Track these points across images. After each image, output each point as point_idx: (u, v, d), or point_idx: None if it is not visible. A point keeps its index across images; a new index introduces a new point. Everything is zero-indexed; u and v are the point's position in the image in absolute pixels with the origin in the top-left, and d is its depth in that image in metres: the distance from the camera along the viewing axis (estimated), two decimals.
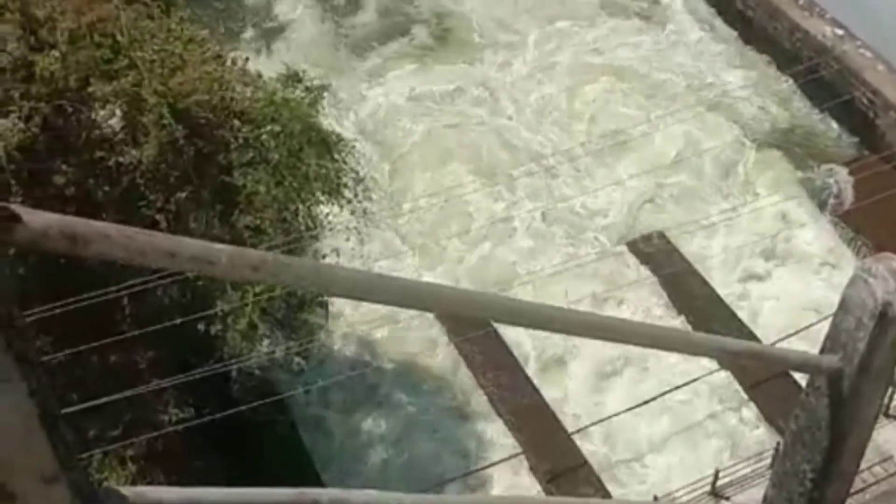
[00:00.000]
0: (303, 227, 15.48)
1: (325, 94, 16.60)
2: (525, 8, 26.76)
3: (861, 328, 2.64)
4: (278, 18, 26.86)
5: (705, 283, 20.43)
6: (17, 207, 1.52)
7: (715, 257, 20.89)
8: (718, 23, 26.41)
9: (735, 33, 26.08)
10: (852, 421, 2.81)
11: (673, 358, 18.03)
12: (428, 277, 19.78)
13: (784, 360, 3.11)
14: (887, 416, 14.68)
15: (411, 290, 1.80)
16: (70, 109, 12.63)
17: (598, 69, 24.90)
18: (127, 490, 1.83)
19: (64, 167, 12.67)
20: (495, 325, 17.81)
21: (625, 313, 19.27)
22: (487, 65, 25.29)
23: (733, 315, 19.83)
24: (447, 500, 1.71)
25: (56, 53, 12.42)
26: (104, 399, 12.79)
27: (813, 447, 2.84)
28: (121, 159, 13.02)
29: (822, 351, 2.77)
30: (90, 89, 12.85)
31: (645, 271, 20.65)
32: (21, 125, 11.62)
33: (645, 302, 20.14)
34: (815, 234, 21.34)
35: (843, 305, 2.68)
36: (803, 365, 2.78)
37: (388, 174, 22.42)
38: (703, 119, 23.45)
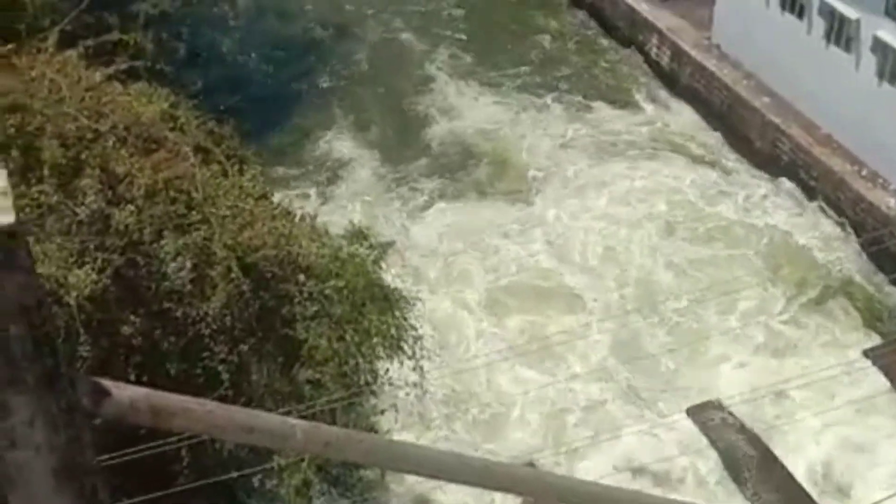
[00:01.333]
0: (362, 382, 15.49)
1: (389, 251, 16.88)
2: (582, 146, 27.29)
3: None
4: (338, 159, 27.85)
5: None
6: (107, 382, 1.59)
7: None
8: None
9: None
10: None
11: None
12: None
13: None
14: None
15: (481, 469, 1.82)
16: (142, 262, 12.96)
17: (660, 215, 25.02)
18: None
19: (132, 318, 12.91)
20: None
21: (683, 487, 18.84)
22: (544, 206, 25.67)
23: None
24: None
25: (132, 208, 12.82)
26: None
27: None
28: (188, 311, 13.24)
29: None
30: (163, 242, 13.19)
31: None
32: (94, 276, 11.93)
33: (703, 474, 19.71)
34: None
35: None
36: None
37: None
38: (765, 281, 23.37)
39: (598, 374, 21.58)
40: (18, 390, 1.64)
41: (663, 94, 31.23)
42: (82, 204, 12.51)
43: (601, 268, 24.62)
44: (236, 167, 15.04)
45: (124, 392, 1.63)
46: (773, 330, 22.86)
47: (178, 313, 13.29)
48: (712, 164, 28.55)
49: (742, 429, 20.42)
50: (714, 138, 29.52)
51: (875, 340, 22.62)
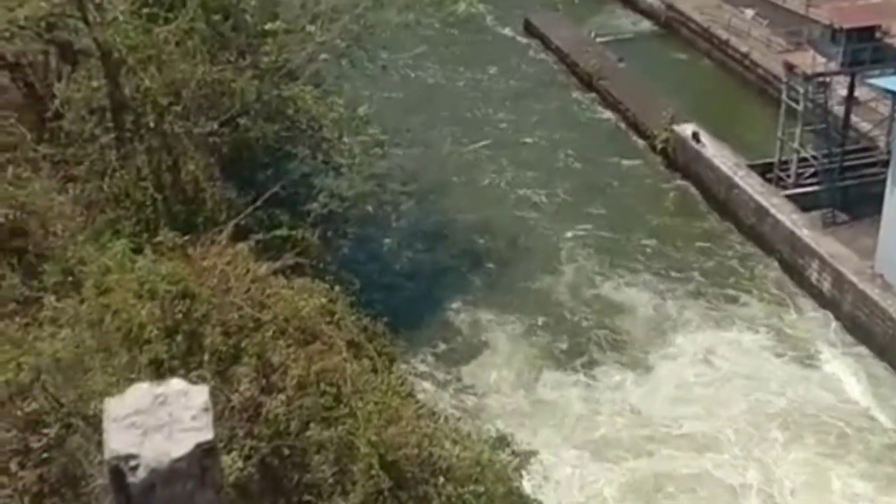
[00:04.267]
0: None
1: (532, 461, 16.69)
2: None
3: None
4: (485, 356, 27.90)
5: None
6: None
7: None
8: None
9: None
10: None
11: None
12: None
13: None
14: None
15: None
16: (287, 452, 13.17)
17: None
18: None
19: None
20: None
21: None
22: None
23: None
24: None
25: (283, 397, 13.15)
26: None
27: None
28: None
29: None
30: (308, 433, 13.42)
31: None
32: (240, 463, 12.16)
33: None
34: None
35: None
36: None
37: None
38: None
39: None
40: None
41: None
42: (237, 391, 12.92)
43: None
44: (386, 364, 15.34)
45: None
46: None
47: None
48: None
49: None
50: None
51: None
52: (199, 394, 1.98)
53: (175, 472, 1.84)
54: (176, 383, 2.02)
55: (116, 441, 1.92)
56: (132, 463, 1.85)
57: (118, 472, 1.90)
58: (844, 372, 28.48)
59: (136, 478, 1.84)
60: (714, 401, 27.15)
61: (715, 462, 25.05)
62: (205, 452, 1.88)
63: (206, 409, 1.96)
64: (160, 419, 1.94)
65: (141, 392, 2.01)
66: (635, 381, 28.12)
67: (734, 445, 25.47)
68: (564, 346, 29.51)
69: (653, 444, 25.69)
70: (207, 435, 1.89)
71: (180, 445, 1.87)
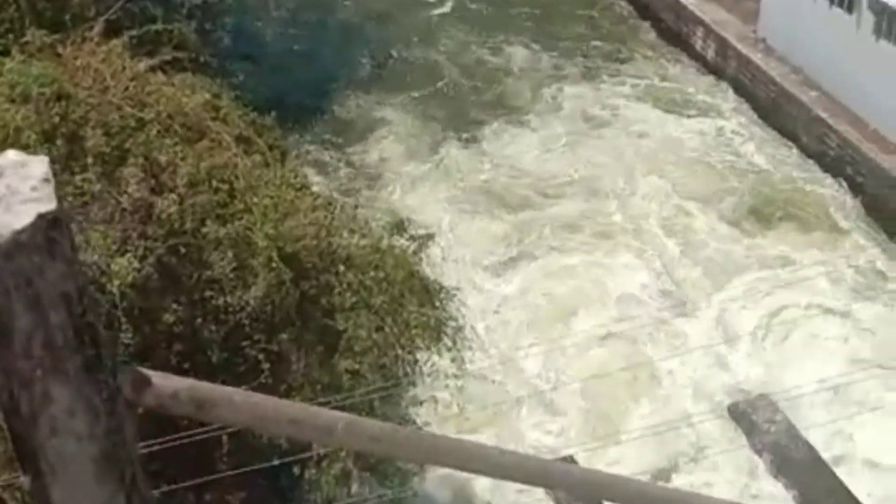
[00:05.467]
0: (401, 373, 15.50)
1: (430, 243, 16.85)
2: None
3: None
4: (379, 146, 28.18)
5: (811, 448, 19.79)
6: (148, 372, 1.56)
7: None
8: None
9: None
10: None
11: None
12: None
13: None
14: None
15: (529, 467, 1.78)
16: (184, 250, 13.03)
17: None
18: None
19: (174, 306, 13.00)
20: None
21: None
22: None
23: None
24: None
25: (175, 196, 12.89)
26: None
27: None
28: (229, 299, 13.29)
29: None
30: (205, 231, 13.26)
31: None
32: (136, 264, 12.01)
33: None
34: None
35: None
36: None
37: None
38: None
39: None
40: (59, 379, 1.63)
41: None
42: (125, 192, 12.61)
43: None
44: (277, 158, 15.08)
45: (166, 382, 1.60)
46: None
47: (220, 302, 13.36)
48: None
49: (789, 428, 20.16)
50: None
51: None
52: (39, 164, 1.82)
53: (18, 244, 1.69)
54: (12, 154, 1.84)
55: None
56: None
57: None
58: (727, 126, 29.39)
59: None
60: (599, 150, 28.23)
61: (597, 208, 26.18)
62: (50, 223, 1.73)
63: (46, 180, 1.80)
64: None
65: None
66: (520, 137, 28.97)
67: (612, 190, 26.58)
68: (452, 113, 30.08)
69: (537, 194, 26.64)
70: (50, 205, 1.74)
71: (21, 217, 1.72)
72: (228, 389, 1.57)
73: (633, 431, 19.67)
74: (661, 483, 16.70)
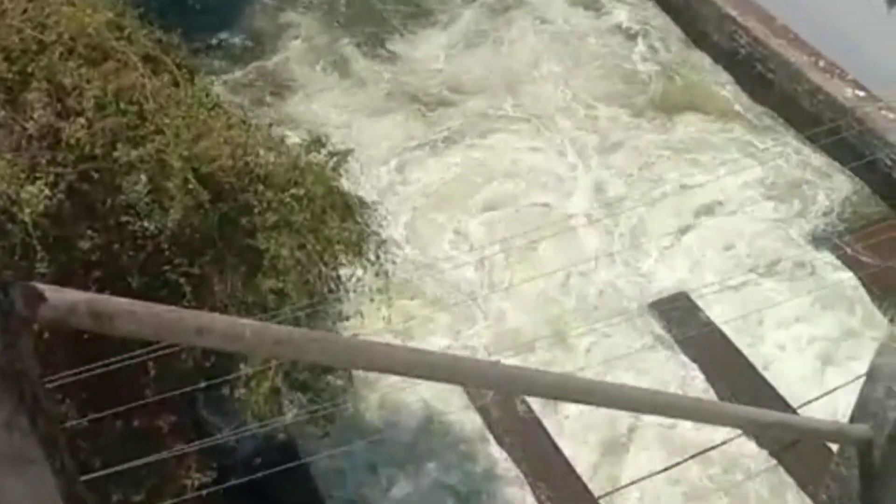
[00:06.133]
0: (326, 290, 15.49)
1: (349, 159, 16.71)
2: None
3: (891, 396, 2.61)
4: (290, 62, 27.81)
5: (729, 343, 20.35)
6: (41, 286, 1.53)
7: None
8: None
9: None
10: (885, 490, 2.77)
11: None
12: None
13: (814, 431, 3.06)
14: None
15: (438, 363, 1.78)
16: (96, 175, 12.76)
17: None
18: None
19: (89, 233, 12.78)
20: None
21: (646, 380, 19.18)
22: None
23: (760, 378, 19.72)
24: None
25: (82, 121, 12.57)
26: (126, 465, 12.75)
27: None
28: (146, 224, 13.10)
29: (852, 420, 2.74)
30: (116, 155, 12.98)
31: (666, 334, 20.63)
32: (47, 192, 11.74)
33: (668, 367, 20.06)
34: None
35: (872, 375, 2.65)
36: (833, 435, 2.73)
37: None
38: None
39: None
40: None
41: None
42: (31, 118, 12.26)
43: None
44: (187, 76, 14.75)
45: (62, 296, 1.57)
46: None
47: (136, 227, 13.16)
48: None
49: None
50: None
51: None
52: None
53: None
54: None
55: None
56: None
57: None
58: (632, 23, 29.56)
59: None
60: (510, 44, 28.30)
61: (506, 101, 26.35)
62: None
63: None
64: None
65: None
66: (431, 37, 28.84)
67: (520, 83, 26.74)
68: (360, 14, 29.81)
69: (451, 92, 26.74)
70: None
71: None
72: (129, 301, 1.54)
73: (549, 337, 20.06)
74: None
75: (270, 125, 16.01)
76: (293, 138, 16.29)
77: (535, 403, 18.71)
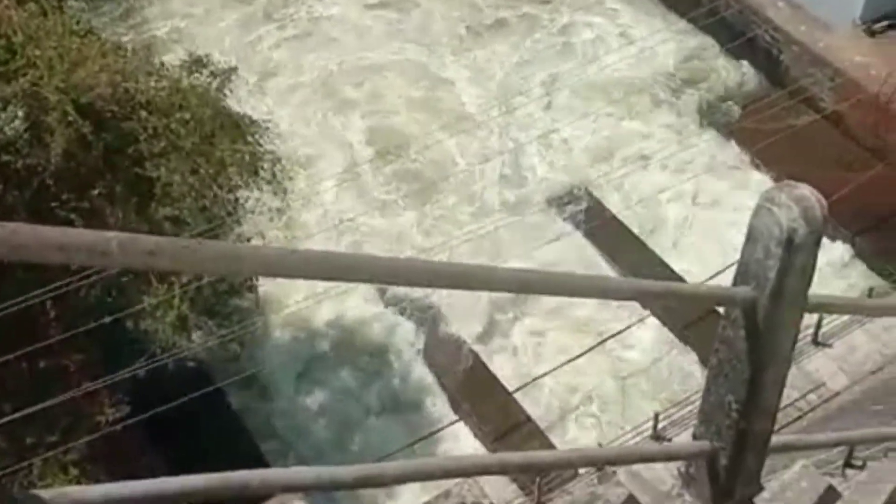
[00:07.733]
0: (223, 213, 15.29)
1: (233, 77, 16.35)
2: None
3: (770, 256, 2.67)
4: None
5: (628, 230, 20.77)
6: None
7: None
8: None
9: None
10: (771, 348, 2.85)
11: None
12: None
13: (700, 296, 3.15)
14: (816, 344, 14.91)
15: (312, 259, 1.77)
16: None
17: None
18: (47, 492, 1.79)
19: None
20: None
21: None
22: None
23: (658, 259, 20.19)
24: (385, 467, 1.69)
25: None
26: (37, 406, 12.56)
27: (735, 378, 2.88)
28: (28, 161, 12.70)
29: (735, 282, 2.80)
30: None
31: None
32: None
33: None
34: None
35: (751, 235, 2.71)
36: (718, 298, 2.80)
37: None
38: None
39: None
40: None
41: None
42: None
43: None
44: (55, 5, 14.18)
45: None
46: None
47: (19, 165, 12.76)
48: None
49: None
50: None
51: None
52: None
53: None
54: None
55: None
56: None
57: None
58: None
59: None
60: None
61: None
62: None
63: None
64: None
65: None
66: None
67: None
68: None
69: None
70: None
71: None
72: None
73: (462, 235, 20.17)
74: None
75: (148, 49, 15.57)
76: (172, 59, 15.87)
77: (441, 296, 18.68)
